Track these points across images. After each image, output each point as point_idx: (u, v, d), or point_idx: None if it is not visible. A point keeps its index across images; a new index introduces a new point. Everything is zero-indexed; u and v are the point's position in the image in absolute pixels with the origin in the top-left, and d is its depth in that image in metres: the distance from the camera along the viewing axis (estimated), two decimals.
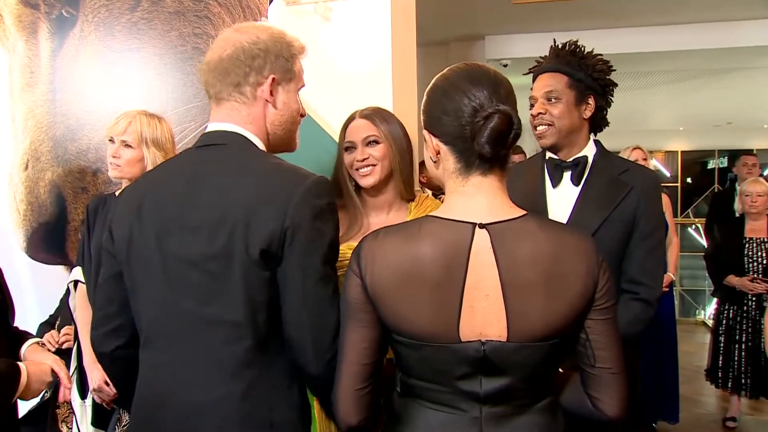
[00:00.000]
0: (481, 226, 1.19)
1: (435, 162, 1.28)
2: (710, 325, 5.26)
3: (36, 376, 1.70)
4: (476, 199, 1.22)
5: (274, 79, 1.40)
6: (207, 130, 1.43)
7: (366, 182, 1.96)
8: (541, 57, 2.07)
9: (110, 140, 2.37)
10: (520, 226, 1.20)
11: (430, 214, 1.26)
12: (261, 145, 1.42)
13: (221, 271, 1.28)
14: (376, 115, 2.00)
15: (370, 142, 1.96)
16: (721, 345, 4.32)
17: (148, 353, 1.41)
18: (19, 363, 1.68)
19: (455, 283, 1.17)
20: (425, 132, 1.27)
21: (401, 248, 1.20)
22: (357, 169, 1.96)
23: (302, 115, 1.51)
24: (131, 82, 3.09)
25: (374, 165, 1.95)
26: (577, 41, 2.01)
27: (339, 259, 1.75)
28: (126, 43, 3.09)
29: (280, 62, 1.41)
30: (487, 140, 1.16)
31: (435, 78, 1.28)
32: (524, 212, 1.23)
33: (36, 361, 1.76)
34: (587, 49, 2.01)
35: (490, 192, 1.22)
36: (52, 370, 1.75)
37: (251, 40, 1.39)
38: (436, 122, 1.24)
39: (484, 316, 1.18)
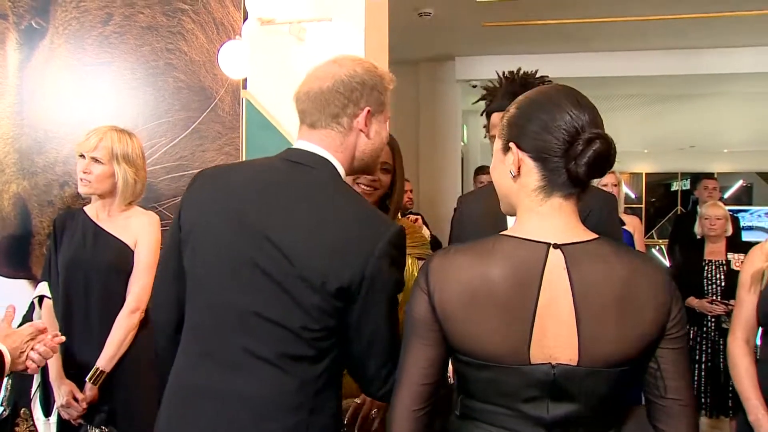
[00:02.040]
0: (556, 246, 1.16)
1: (514, 176, 1.23)
2: None
3: (13, 345, 1.74)
4: (551, 220, 1.19)
5: (369, 111, 1.47)
6: (297, 146, 1.49)
7: None
8: (491, 82, 2.12)
9: (81, 156, 2.35)
10: (594, 249, 1.18)
11: (503, 233, 1.22)
12: (343, 172, 1.48)
13: (295, 290, 1.34)
14: (395, 144, 2.08)
15: (384, 169, 2.03)
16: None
17: (192, 341, 1.46)
18: None
19: (527, 304, 1.14)
20: (512, 144, 1.22)
21: (472, 266, 1.18)
22: (361, 184, 2.00)
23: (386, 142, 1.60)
24: (102, 96, 3.07)
25: (377, 189, 2.04)
26: (526, 72, 2.04)
27: None
28: (97, 56, 3.07)
29: (374, 95, 1.48)
30: (587, 162, 1.14)
31: (529, 93, 1.26)
32: (596, 236, 1.20)
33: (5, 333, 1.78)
34: (539, 73, 2.04)
35: (566, 214, 1.20)
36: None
37: (349, 73, 1.46)
38: (528, 136, 1.20)
39: (555, 339, 1.14)
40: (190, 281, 1.47)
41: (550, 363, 1.14)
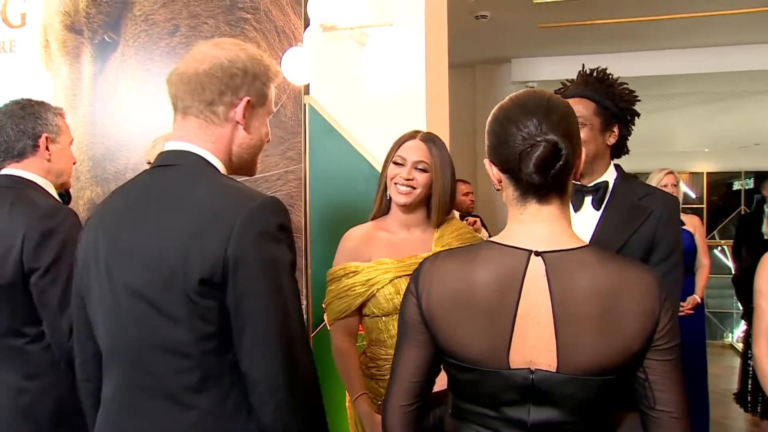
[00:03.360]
0: (537, 253, 1.18)
1: (498, 190, 1.28)
2: (737, 347, 5.21)
3: None
4: (535, 226, 1.22)
5: (249, 101, 1.34)
6: (165, 149, 1.36)
7: (400, 200, 2.01)
8: (567, 80, 2.10)
9: (148, 163, 2.44)
10: (578, 257, 1.18)
11: (489, 239, 1.26)
12: (221, 166, 1.34)
13: (163, 300, 1.21)
14: (434, 142, 2.04)
15: (420, 168, 2.00)
16: (750, 369, 4.28)
17: (105, 384, 1.35)
18: None
19: (507, 310, 1.17)
20: (486, 161, 1.28)
21: (458, 271, 1.22)
22: (396, 184, 2.01)
23: (268, 141, 1.44)
24: (169, 105, 3.17)
25: (415, 188, 2.00)
26: (605, 69, 2.03)
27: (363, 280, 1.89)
28: (165, 67, 3.17)
29: (256, 85, 1.35)
30: (533, 169, 1.16)
31: (495, 108, 1.29)
32: (585, 243, 1.22)
33: None
34: (614, 76, 2.03)
35: (549, 220, 1.22)
36: None
37: (230, 57, 1.32)
38: (494, 152, 1.25)
39: (534, 344, 1.17)
40: (94, 325, 1.35)
41: (529, 368, 1.17)
